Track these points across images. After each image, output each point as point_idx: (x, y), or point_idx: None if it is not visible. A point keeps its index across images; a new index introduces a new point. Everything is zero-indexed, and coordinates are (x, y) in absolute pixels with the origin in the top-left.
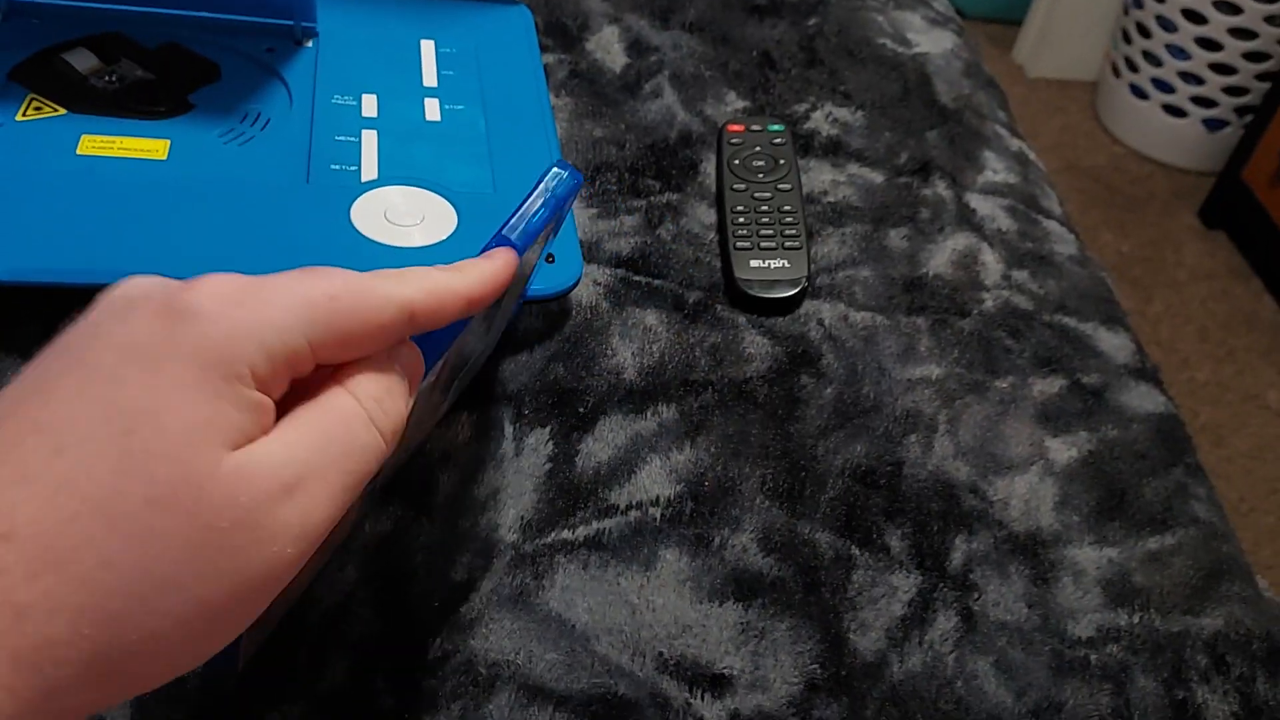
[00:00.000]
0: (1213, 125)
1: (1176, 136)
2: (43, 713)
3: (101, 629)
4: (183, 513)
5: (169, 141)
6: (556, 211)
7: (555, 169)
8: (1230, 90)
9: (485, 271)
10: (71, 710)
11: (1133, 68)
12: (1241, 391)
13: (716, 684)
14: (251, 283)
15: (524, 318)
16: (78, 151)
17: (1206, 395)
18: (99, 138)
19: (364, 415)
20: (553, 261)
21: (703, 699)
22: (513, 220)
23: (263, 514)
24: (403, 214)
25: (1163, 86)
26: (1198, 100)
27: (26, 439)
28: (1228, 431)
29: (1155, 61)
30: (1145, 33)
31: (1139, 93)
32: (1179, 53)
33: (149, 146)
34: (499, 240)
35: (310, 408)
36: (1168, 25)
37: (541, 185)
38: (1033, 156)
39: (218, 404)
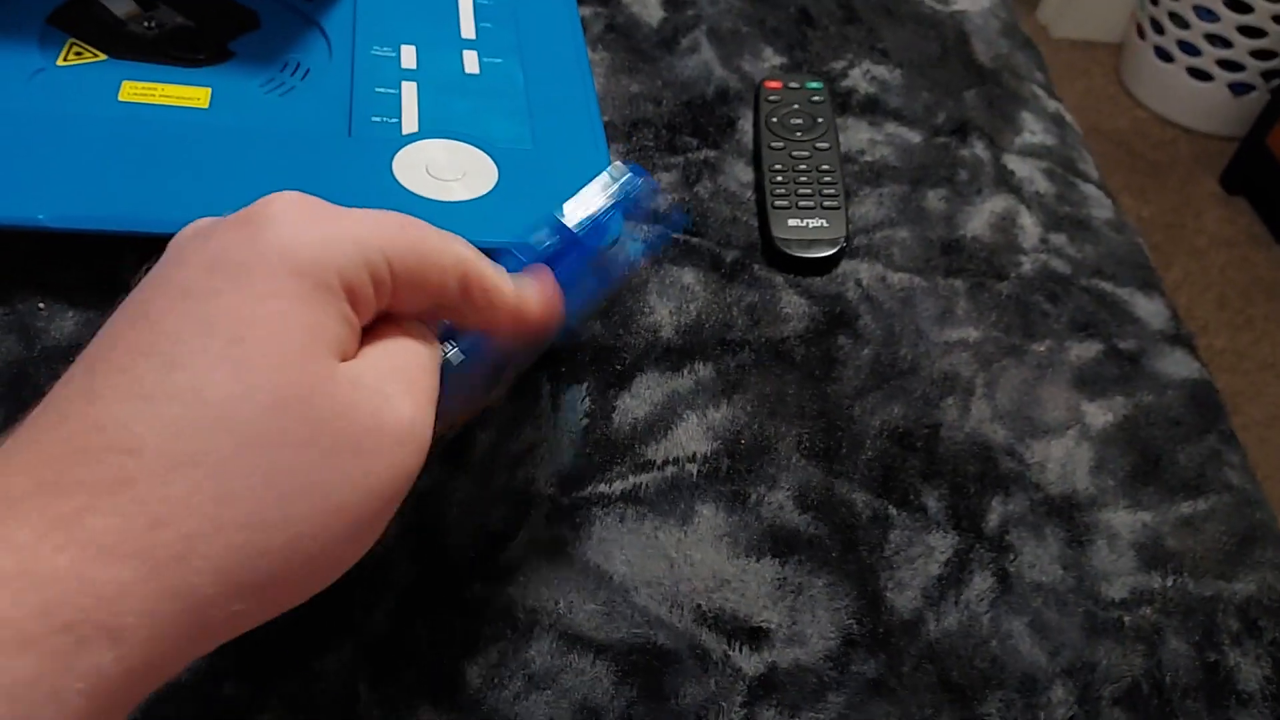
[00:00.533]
0: (1238, 89)
1: (1201, 100)
2: (187, 630)
3: (240, 532)
4: (308, 417)
5: (210, 90)
6: (628, 212)
7: (627, 172)
8: (1258, 54)
9: (534, 296)
10: (218, 623)
11: (1158, 29)
12: (1259, 360)
13: (755, 637)
14: (324, 202)
15: None
16: (119, 98)
17: (1224, 363)
18: (140, 84)
19: (429, 354)
20: None
21: (741, 651)
22: (578, 214)
23: (383, 419)
24: (444, 168)
25: (1188, 49)
26: (1224, 64)
27: (136, 362)
28: (1244, 400)
29: (1182, 23)
30: None
31: (1164, 55)
32: (1206, 14)
33: (191, 95)
34: (560, 230)
35: (384, 343)
36: None
37: (608, 181)
38: (1069, 119)
39: (316, 312)
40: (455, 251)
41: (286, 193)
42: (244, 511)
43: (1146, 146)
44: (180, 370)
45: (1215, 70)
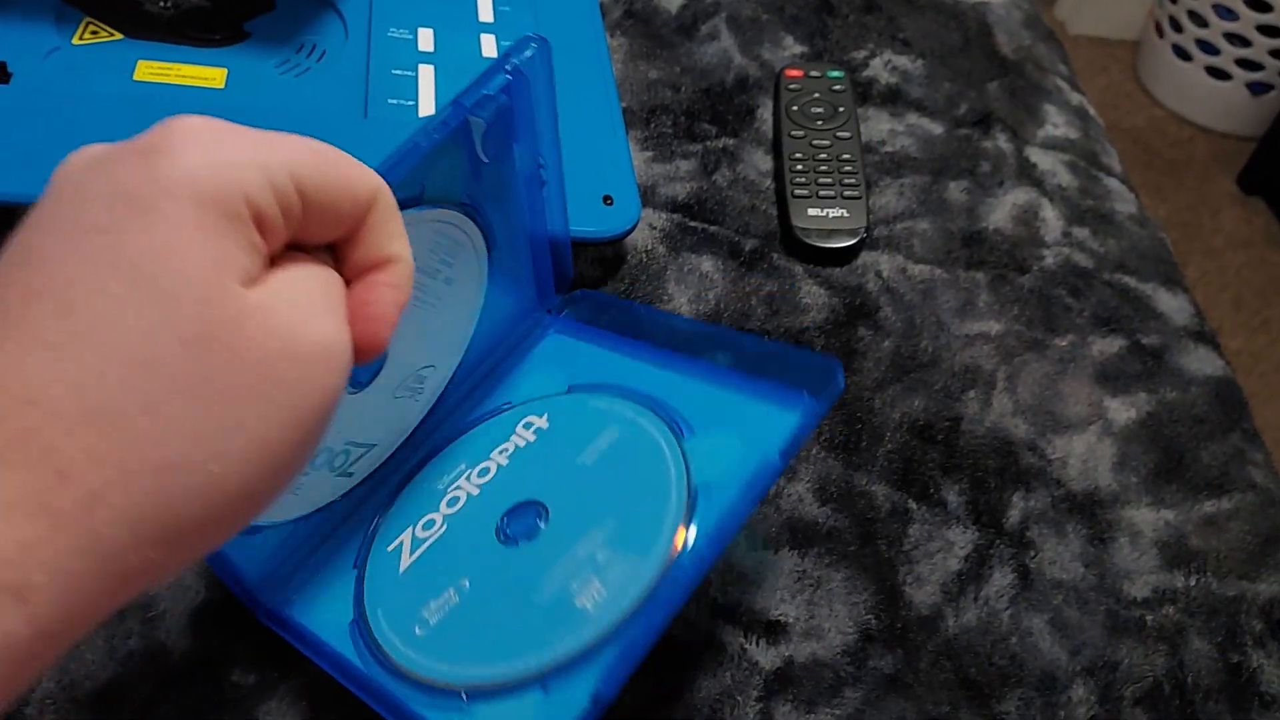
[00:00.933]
0: (1257, 89)
1: (1219, 99)
2: (101, 583)
3: (154, 478)
4: (223, 350)
5: (226, 70)
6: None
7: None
8: (1278, 53)
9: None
10: (135, 573)
11: (1177, 27)
12: (1274, 361)
13: (771, 630)
14: (230, 125)
15: (579, 262)
16: (135, 77)
17: (1239, 364)
18: (156, 64)
19: (338, 279)
20: (611, 204)
21: (757, 644)
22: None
23: (300, 343)
24: None
25: (1207, 48)
26: (1243, 63)
27: (31, 307)
28: (1259, 402)
29: (1201, 22)
30: None
31: (1182, 54)
32: (1226, 13)
33: (206, 75)
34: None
35: (291, 269)
36: None
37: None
38: (1092, 112)
39: (222, 242)
40: (369, 180)
41: (188, 117)
42: (156, 457)
43: (1163, 145)
44: (80, 314)
45: (1234, 69)
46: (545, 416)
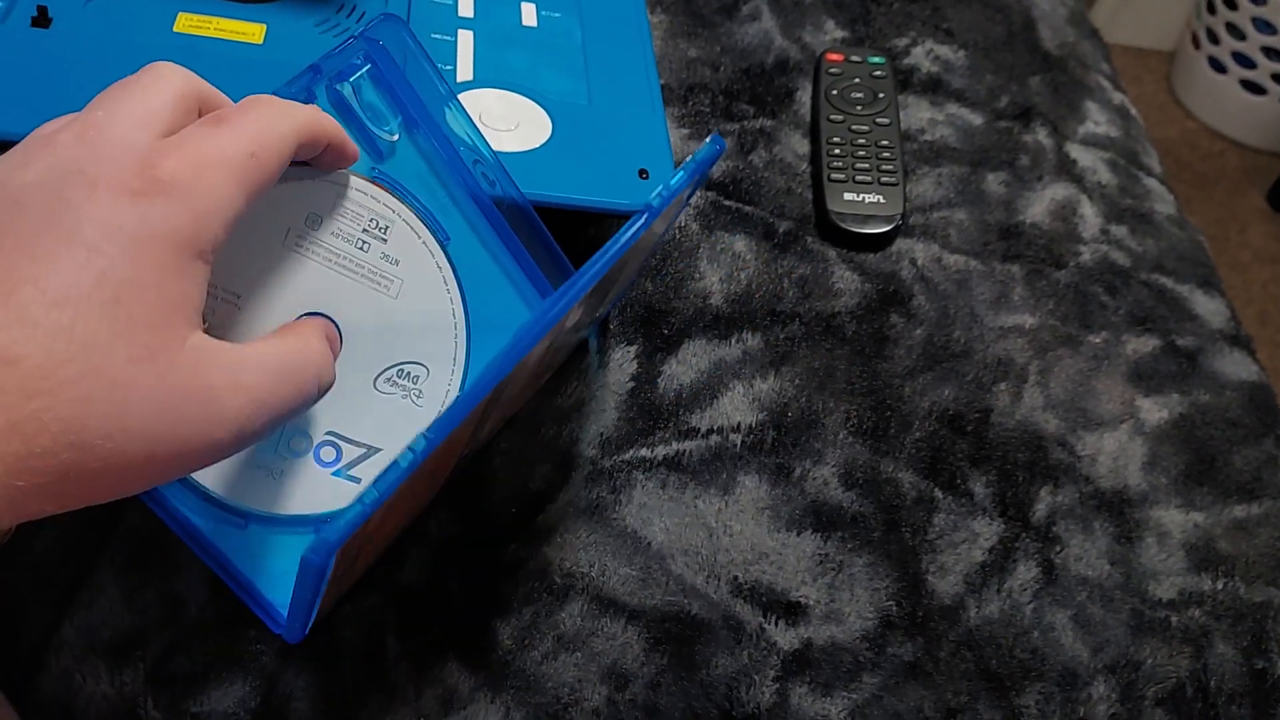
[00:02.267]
0: None
1: (1253, 114)
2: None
3: (73, 451)
4: (155, 373)
5: (265, 26)
6: (697, 179)
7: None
8: None
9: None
10: (27, 516)
11: (1214, 39)
12: None
13: (791, 611)
14: (190, 147)
15: (611, 236)
16: (174, 29)
17: None
18: (195, 16)
19: (316, 364)
20: (646, 178)
21: (776, 625)
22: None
23: (216, 396)
24: (498, 118)
25: (1243, 61)
26: (1279, 78)
27: (23, 289)
28: None
29: (1238, 34)
30: (1231, 3)
31: (1218, 66)
32: (1265, 26)
33: (245, 30)
34: (643, 206)
35: (272, 340)
36: None
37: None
38: (1134, 112)
39: (185, 284)
40: (300, 121)
41: (191, 149)
42: (81, 439)
43: (1194, 157)
44: (64, 311)
45: (1269, 84)
46: None
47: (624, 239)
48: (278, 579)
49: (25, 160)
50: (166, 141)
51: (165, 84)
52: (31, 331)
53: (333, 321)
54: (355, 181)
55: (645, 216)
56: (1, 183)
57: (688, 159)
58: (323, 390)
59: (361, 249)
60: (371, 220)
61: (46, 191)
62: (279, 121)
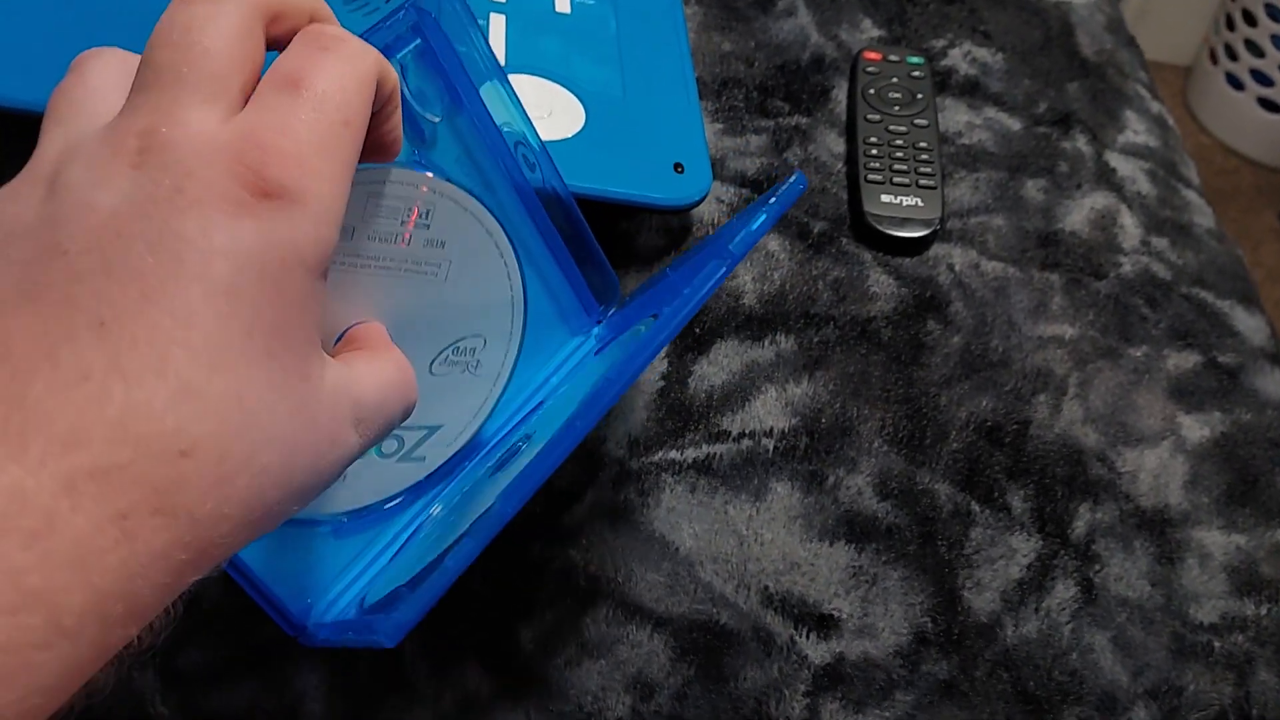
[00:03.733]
0: None
1: (1269, 132)
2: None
3: (248, 531)
4: (311, 424)
5: None
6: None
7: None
8: None
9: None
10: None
11: (1232, 55)
12: None
13: (823, 624)
14: (280, 131)
15: (644, 231)
16: None
17: None
18: None
19: (408, 390)
20: (682, 172)
21: (808, 638)
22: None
23: (346, 438)
24: (530, 105)
25: (1261, 79)
26: None
27: (173, 353)
28: None
29: (1257, 51)
30: (1250, 20)
31: (1235, 83)
32: None
33: None
34: (722, 252)
35: (372, 364)
36: (1275, 13)
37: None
38: (1171, 122)
39: (316, 310)
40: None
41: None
42: (253, 516)
43: (1209, 174)
44: (222, 374)
45: None
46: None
47: (705, 290)
48: (289, 577)
49: (100, 176)
50: (249, 126)
51: (224, 18)
52: (198, 406)
53: (383, 322)
54: (392, 174)
55: (727, 264)
56: (89, 205)
57: (771, 200)
58: (408, 414)
59: (404, 244)
60: (410, 210)
61: (147, 222)
62: (359, 71)
